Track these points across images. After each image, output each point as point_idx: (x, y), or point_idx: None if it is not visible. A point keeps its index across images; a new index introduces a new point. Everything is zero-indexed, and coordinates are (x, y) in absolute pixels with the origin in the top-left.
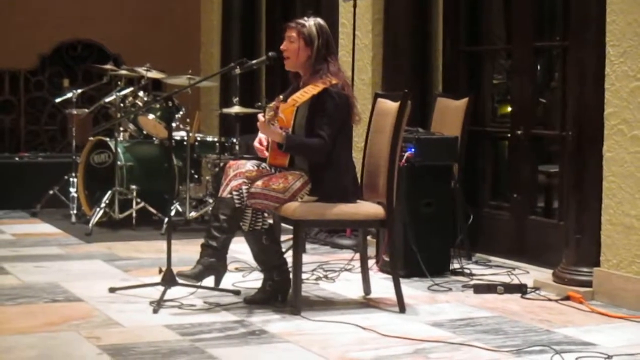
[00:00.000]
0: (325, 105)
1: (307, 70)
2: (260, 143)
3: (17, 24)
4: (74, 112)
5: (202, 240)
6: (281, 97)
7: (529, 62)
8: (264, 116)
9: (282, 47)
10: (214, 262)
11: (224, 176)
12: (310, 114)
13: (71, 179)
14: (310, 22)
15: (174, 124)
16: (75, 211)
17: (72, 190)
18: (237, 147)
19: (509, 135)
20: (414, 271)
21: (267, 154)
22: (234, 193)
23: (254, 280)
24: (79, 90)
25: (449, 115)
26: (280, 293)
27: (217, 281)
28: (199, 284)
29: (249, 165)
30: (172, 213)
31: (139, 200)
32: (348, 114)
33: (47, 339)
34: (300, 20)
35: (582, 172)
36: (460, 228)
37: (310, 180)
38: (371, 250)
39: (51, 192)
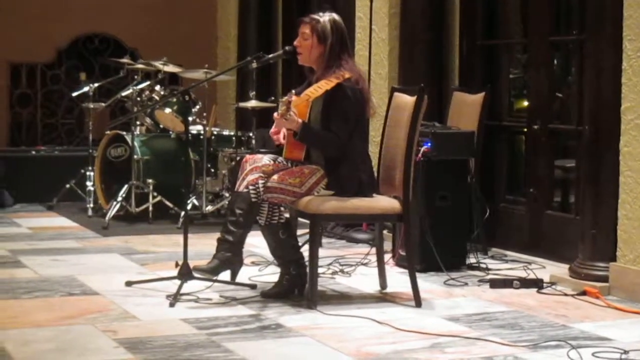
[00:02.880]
0: (339, 101)
1: (321, 65)
2: (276, 131)
3: (34, 18)
4: (91, 105)
5: (218, 234)
6: (294, 91)
7: (545, 56)
8: (277, 112)
9: (295, 42)
10: (230, 257)
11: (240, 170)
12: (325, 110)
13: (88, 173)
14: (325, 18)
15: (190, 118)
16: (91, 205)
17: (89, 183)
18: (253, 141)
19: (525, 129)
20: (430, 265)
21: (282, 139)
22: (251, 187)
23: (271, 275)
24: (96, 84)
25: (466, 109)
26: (297, 287)
27: (233, 276)
28: (215, 278)
29: (265, 160)
30: (189, 207)
31: (155, 194)
32: (362, 108)
33: (64, 332)
34: (315, 16)
35: (598, 166)
36: (476, 222)
37: (326, 174)
38: (387, 245)
39: (68, 185)
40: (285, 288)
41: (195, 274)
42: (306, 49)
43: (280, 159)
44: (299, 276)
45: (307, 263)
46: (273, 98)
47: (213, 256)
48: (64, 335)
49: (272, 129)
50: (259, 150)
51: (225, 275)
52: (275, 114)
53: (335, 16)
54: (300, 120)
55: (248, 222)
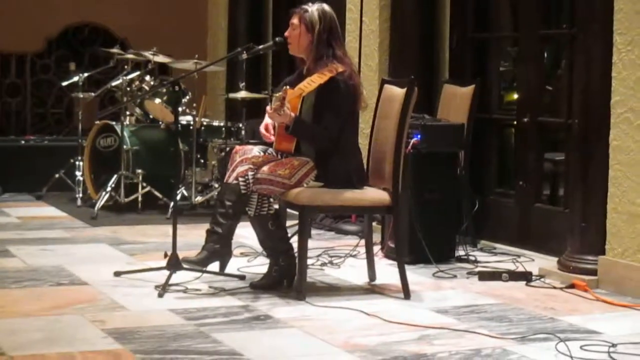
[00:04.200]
0: (331, 95)
1: (310, 55)
2: (266, 129)
3: (24, 7)
4: (81, 95)
5: (207, 225)
6: (287, 87)
7: (535, 49)
8: (271, 107)
9: (285, 33)
10: (218, 249)
11: (230, 161)
12: (317, 103)
13: (77, 163)
14: (313, 8)
15: (180, 109)
16: (80, 195)
17: (78, 173)
18: (243, 132)
19: (515, 122)
20: (419, 258)
21: (273, 139)
22: (240, 179)
23: (259, 266)
24: (86, 74)
25: (456, 102)
26: (287, 278)
27: (222, 267)
28: (204, 269)
29: (255, 151)
30: (178, 197)
31: (144, 184)
32: (355, 102)
33: (52, 322)
34: (304, 6)
35: (588, 160)
36: (465, 215)
37: (316, 166)
38: (376, 237)
39: (57, 175)
40: (274, 279)
41: (185, 266)
42: (295, 38)
43: (270, 150)
44: (288, 267)
45: (296, 254)
46: (266, 92)
47: (202, 247)
48: (52, 325)
49: (262, 125)
50: (248, 141)
51: (214, 266)
52: (268, 108)
53: (325, 6)
54: (292, 115)
55: (237, 213)
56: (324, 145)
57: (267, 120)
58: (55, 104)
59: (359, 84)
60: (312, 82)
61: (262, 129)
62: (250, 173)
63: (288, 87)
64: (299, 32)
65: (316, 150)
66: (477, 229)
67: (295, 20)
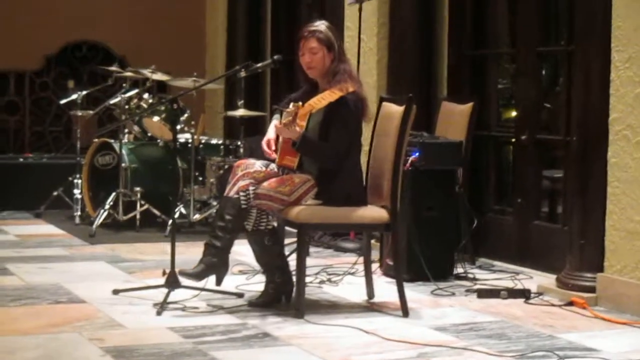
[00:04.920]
0: (341, 114)
1: (328, 74)
2: (268, 144)
3: (23, 25)
4: (79, 113)
5: (206, 239)
6: (300, 103)
7: (534, 66)
8: (280, 121)
9: (306, 60)
10: (216, 262)
11: (232, 175)
12: (325, 121)
13: (75, 181)
14: (323, 27)
15: (178, 126)
16: (79, 212)
17: (76, 191)
18: (241, 150)
19: (513, 139)
20: (418, 275)
21: (274, 156)
22: (241, 194)
23: (258, 283)
24: (84, 92)
25: (454, 119)
26: (284, 294)
27: (219, 280)
28: (201, 284)
29: (257, 166)
30: (176, 215)
31: (143, 202)
32: (362, 122)
33: (50, 340)
34: (312, 28)
35: (586, 177)
36: (464, 232)
37: (317, 184)
38: (375, 254)
39: (55, 193)
40: (271, 297)
41: (182, 279)
42: (319, 62)
43: (272, 165)
44: (284, 283)
45: (292, 271)
46: (276, 107)
47: (199, 261)
48: (50, 343)
49: (264, 141)
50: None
51: (211, 281)
52: (276, 122)
53: (326, 22)
54: (301, 131)
55: (236, 228)
56: (330, 163)
57: (269, 135)
58: (53, 121)
59: (366, 101)
60: (322, 100)
61: (264, 145)
62: (251, 188)
63: (300, 103)
64: (322, 55)
65: (319, 168)
66: (475, 247)
67: (314, 44)
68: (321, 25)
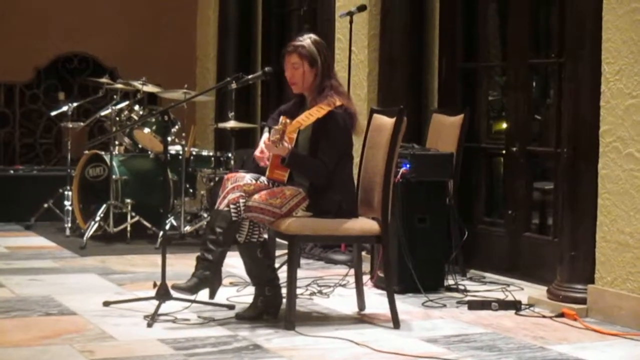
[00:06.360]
0: (329, 129)
1: (314, 90)
2: (262, 152)
3: (13, 37)
4: (70, 125)
5: (196, 254)
6: (288, 120)
7: (524, 78)
8: (268, 138)
9: (287, 75)
10: (209, 275)
11: (222, 187)
12: (314, 136)
13: (66, 192)
14: (307, 41)
15: (169, 138)
16: (69, 224)
17: (67, 203)
18: (232, 162)
19: (504, 151)
20: (409, 287)
21: (267, 162)
22: (232, 206)
23: (249, 295)
24: (75, 104)
25: (445, 131)
26: (272, 308)
27: (212, 294)
28: (193, 297)
29: (247, 179)
30: (167, 227)
31: (133, 214)
32: (351, 135)
33: (41, 352)
34: (296, 43)
35: (577, 189)
36: (454, 244)
37: (308, 196)
38: (366, 266)
39: (46, 205)
40: (259, 310)
41: (174, 293)
42: (300, 77)
43: (262, 178)
44: (273, 297)
45: (282, 284)
46: (264, 124)
47: (192, 274)
48: (41, 356)
49: (258, 150)
50: (241, 166)
51: (204, 294)
52: (265, 139)
53: (314, 36)
54: (289, 147)
55: (228, 241)
56: (319, 179)
57: (262, 145)
58: (44, 133)
59: (355, 115)
60: (310, 116)
61: (257, 153)
62: (241, 200)
63: (288, 120)
64: (303, 71)
65: (310, 182)
66: (466, 258)
67: (295, 59)
68: (306, 39)
